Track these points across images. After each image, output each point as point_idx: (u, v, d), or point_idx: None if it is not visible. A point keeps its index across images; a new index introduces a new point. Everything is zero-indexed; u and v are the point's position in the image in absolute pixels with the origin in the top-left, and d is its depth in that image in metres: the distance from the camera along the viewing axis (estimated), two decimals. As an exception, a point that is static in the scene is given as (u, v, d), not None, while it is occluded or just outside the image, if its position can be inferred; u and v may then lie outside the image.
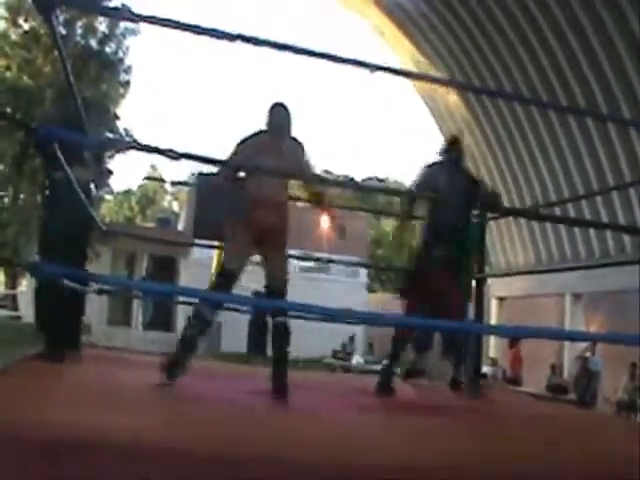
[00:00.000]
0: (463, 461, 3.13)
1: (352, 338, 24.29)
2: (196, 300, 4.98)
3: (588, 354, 14.99)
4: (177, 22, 3.41)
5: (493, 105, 18.12)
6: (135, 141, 16.55)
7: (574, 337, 13.41)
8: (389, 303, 16.07)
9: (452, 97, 19.59)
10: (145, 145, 4.10)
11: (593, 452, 3.64)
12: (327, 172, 49.66)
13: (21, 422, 2.84)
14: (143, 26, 24.61)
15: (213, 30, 3.34)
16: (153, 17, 3.48)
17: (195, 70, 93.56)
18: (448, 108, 20.29)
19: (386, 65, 3.79)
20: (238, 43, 3.34)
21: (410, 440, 3.69)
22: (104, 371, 4.96)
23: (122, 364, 5.89)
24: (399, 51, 20.40)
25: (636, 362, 13.35)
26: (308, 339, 23.83)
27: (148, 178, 59.62)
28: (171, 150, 3.52)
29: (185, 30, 3.41)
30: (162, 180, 52.09)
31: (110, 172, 13.40)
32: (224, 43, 3.40)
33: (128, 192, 55.25)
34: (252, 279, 5.09)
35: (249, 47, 3.39)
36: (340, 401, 5.03)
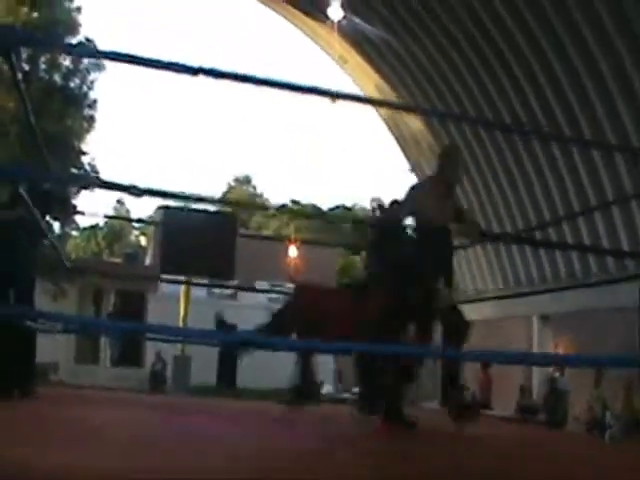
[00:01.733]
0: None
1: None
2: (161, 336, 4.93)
3: (557, 374, 15.03)
4: (137, 58, 3.41)
5: (458, 131, 18.29)
6: (98, 178, 16.47)
7: (540, 361, 13.48)
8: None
9: (417, 124, 19.75)
10: (107, 182, 4.10)
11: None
12: (294, 202, 49.75)
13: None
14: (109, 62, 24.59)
15: (174, 64, 3.33)
16: (114, 53, 3.48)
17: (162, 103, 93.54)
18: (413, 135, 20.44)
19: (348, 93, 3.81)
20: (200, 77, 3.33)
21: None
22: (55, 409, 4.87)
23: (81, 402, 5.82)
24: (363, 80, 20.55)
25: (601, 370, 13.31)
26: (280, 369, 23.72)
27: (111, 217, 59.17)
28: (134, 187, 3.51)
29: (146, 66, 3.40)
30: (127, 219, 51.86)
31: (75, 208, 13.30)
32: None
33: (95, 227, 54.82)
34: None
35: (212, 80, 3.38)
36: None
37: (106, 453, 3.44)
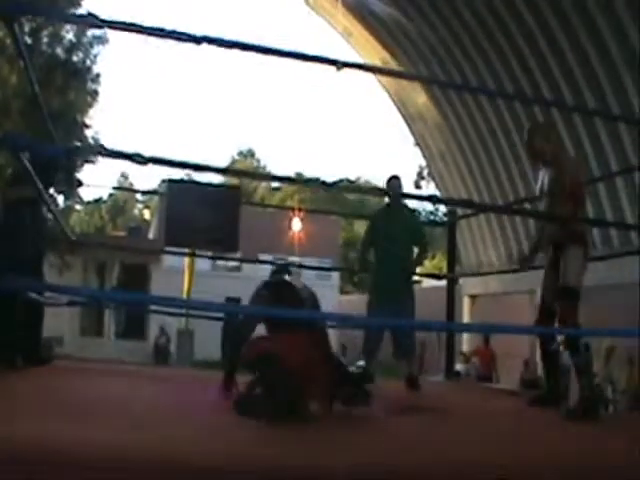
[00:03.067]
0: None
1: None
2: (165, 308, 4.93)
3: (561, 349, 15.03)
4: (141, 26, 3.39)
5: (462, 105, 18.20)
6: (102, 146, 16.42)
7: (542, 332, 13.43)
8: (361, 305, 16.07)
9: (422, 98, 19.66)
10: (112, 150, 4.07)
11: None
12: (299, 175, 49.71)
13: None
14: (112, 35, 24.44)
15: (178, 33, 3.31)
16: (117, 22, 3.45)
17: (165, 76, 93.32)
18: (418, 110, 20.35)
19: (352, 61, 3.79)
20: (204, 45, 3.31)
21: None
22: (64, 382, 4.88)
23: (89, 374, 5.84)
24: (367, 52, 20.43)
25: (613, 346, 13.32)
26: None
27: (117, 188, 59.25)
28: (138, 155, 3.49)
29: (150, 34, 3.38)
30: (132, 190, 51.97)
31: (79, 182, 13.27)
32: (191, 47, 3.37)
33: (98, 201, 54.93)
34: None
35: (216, 49, 3.36)
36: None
37: (112, 425, 3.46)
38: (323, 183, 7.89)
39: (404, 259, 6.73)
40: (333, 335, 26.08)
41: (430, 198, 8.07)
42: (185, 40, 3.29)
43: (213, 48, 3.38)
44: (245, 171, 31.31)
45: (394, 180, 6.99)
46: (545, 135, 5.49)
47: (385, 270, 6.74)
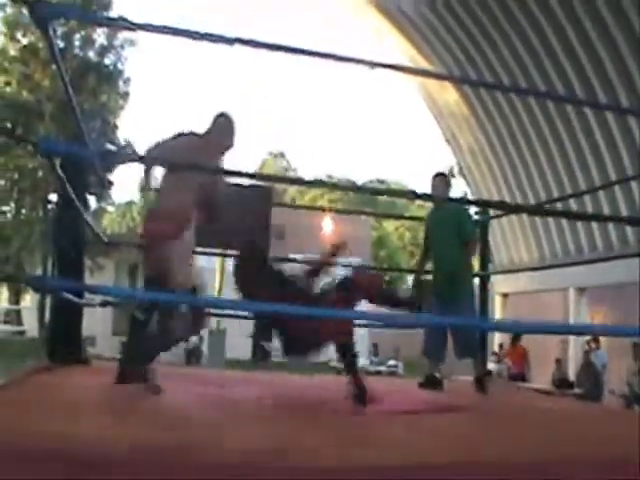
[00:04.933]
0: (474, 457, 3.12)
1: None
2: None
3: (593, 346, 14.93)
4: (174, 29, 3.42)
5: (493, 102, 18.10)
6: (135, 152, 16.55)
7: (573, 330, 13.48)
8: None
9: (452, 96, 19.58)
10: (144, 156, 4.12)
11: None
12: (329, 176, 49.73)
13: (21, 434, 2.85)
14: (141, 37, 24.68)
15: (209, 34, 3.34)
16: (150, 25, 3.49)
17: (194, 78, 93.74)
18: (448, 107, 20.27)
19: (384, 62, 3.79)
20: (236, 47, 3.33)
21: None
22: (107, 383, 4.93)
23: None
24: (398, 52, 20.39)
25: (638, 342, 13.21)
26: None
27: (143, 189, 59.50)
28: (168, 160, 3.52)
29: (183, 36, 3.41)
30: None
31: (111, 183, 13.43)
32: (222, 48, 3.40)
33: (130, 203, 55.24)
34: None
35: (248, 50, 3.38)
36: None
37: (147, 424, 3.49)
38: (353, 184, 7.86)
39: (454, 259, 6.46)
40: (365, 334, 26.18)
41: (460, 200, 7.94)
42: (218, 41, 3.31)
43: (245, 49, 3.41)
44: (273, 175, 31.31)
45: (437, 178, 6.78)
46: None
47: (438, 272, 6.61)
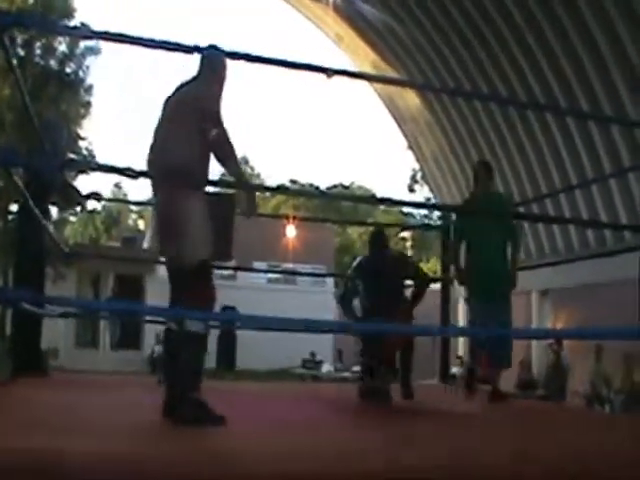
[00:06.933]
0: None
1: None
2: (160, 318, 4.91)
3: (556, 348, 15.01)
4: (133, 37, 3.39)
5: (454, 106, 18.20)
6: (93, 161, 16.38)
7: (537, 335, 13.67)
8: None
9: (414, 100, 19.66)
10: (103, 165, 4.08)
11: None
12: (293, 181, 49.70)
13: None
14: (106, 46, 24.48)
15: (170, 43, 3.32)
16: (110, 33, 3.45)
17: (158, 85, 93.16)
18: (410, 111, 20.36)
19: (343, 69, 3.79)
20: (195, 55, 3.32)
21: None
22: (56, 394, 4.86)
23: (83, 386, 5.83)
24: (358, 57, 20.45)
25: (601, 344, 13.32)
26: (275, 350, 23.81)
27: (109, 200, 59.09)
28: (129, 169, 3.49)
29: (139, 45, 3.38)
30: (126, 201, 51.83)
31: (79, 192, 13.22)
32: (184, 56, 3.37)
33: (92, 212, 54.72)
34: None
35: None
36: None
37: (111, 438, 3.44)
38: (317, 189, 7.84)
39: (500, 255, 6.22)
40: (330, 340, 26.15)
41: (424, 205, 7.98)
42: (178, 50, 3.29)
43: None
44: (233, 182, 31.44)
45: (481, 165, 6.79)
46: None
47: (483, 269, 6.25)
